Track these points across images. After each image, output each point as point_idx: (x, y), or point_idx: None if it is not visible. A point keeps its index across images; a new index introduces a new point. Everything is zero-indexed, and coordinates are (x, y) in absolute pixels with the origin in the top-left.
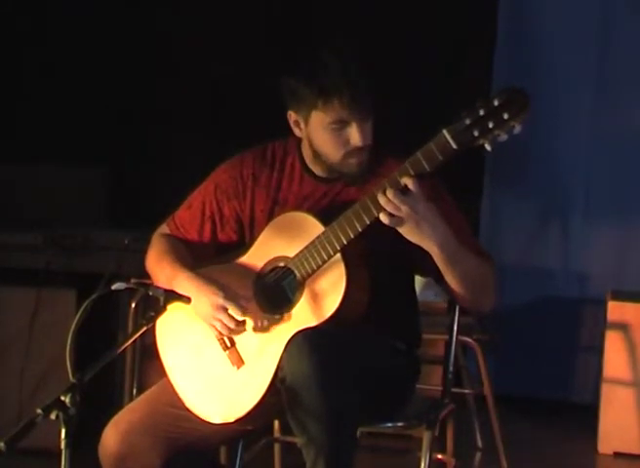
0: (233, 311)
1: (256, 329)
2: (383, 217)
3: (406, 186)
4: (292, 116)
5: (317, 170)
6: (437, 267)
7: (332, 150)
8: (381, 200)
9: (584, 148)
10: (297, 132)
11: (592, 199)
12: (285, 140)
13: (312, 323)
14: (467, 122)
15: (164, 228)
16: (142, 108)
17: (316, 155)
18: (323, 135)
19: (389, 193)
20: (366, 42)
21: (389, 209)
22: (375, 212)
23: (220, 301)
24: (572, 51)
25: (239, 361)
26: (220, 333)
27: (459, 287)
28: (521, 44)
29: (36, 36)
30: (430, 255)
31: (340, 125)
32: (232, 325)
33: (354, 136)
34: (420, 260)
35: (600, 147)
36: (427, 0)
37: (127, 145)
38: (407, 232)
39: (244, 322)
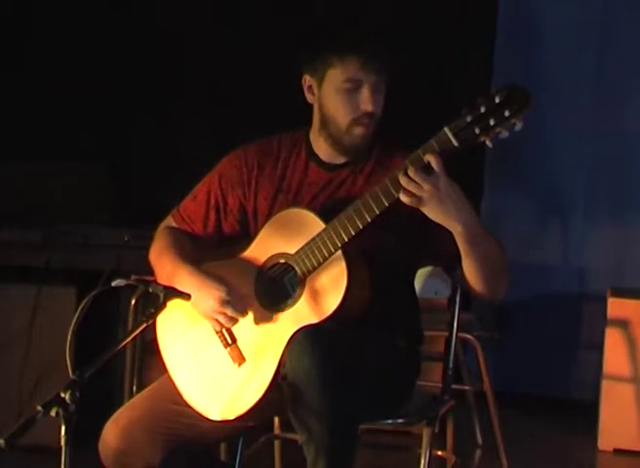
0: (237, 305)
1: (257, 325)
2: (404, 197)
3: (429, 164)
4: (306, 80)
5: (322, 150)
6: (449, 254)
7: (341, 114)
8: (403, 180)
9: (584, 146)
10: (309, 98)
11: (592, 196)
12: (292, 132)
13: (313, 320)
14: (468, 119)
15: (169, 220)
16: (142, 107)
17: (324, 125)
18: (335, 97)
19: (411, 171)
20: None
21: (411, 188)
22: (385, 201)
23: (224, 295)
24: (572, 51)
25: (240, 358)
26: (222, 327)
27: (477, 270)
28: (521, 44)
29: (37, 35)
30: (442, 242)
31: (353, 85)
32: (238, 317)
33: (365, 99)
34: (430, 249)
35: (600, 145)
36: (428, 0)
37: (127, 143)
38: (430, 211)
39: (246, 315)
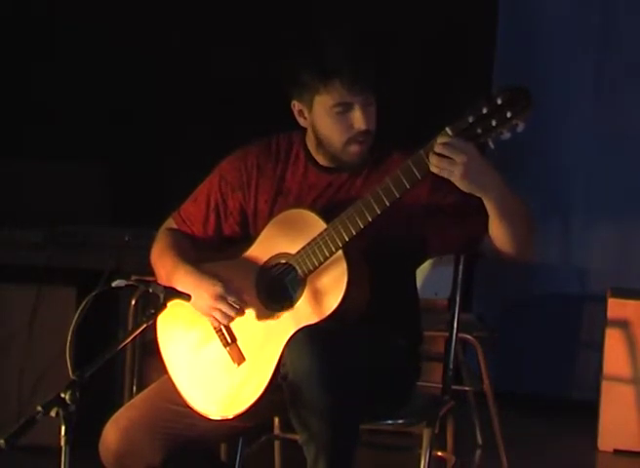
0: (233, 301)
1: (257, 325)
2: (435, 167)
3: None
4: (295, 106)
5: (321, 160)
6: (471, 237)
7: (335, 135)
8: (438, 147)
9: (585, 145)
10: (301, 121)
11: (593, 196)
12: (289, 133)
13: (313, 320)
14: (470, 120)
15: (170, 222)
16: (143, 107)
17: (320, 144)
18: (326, 119)
19: (443, 140)
20: (365, 42)
21: (439, 163)
22: (386, 200)
23: (220, 291)
24: (572, 51)
25: (240, 357)
26: (220, 324)
27: (506, 229)
28: (521, 44)
29: (37, 35)
30: (456, 229)
31: (344, 108)
32: (232, 313)
33: (357, 119)
34: (441, 238)
35: (600, 144)
36: (428, 0)
37: (127, 143)
38: (465, 176)
39: (243, 311)
